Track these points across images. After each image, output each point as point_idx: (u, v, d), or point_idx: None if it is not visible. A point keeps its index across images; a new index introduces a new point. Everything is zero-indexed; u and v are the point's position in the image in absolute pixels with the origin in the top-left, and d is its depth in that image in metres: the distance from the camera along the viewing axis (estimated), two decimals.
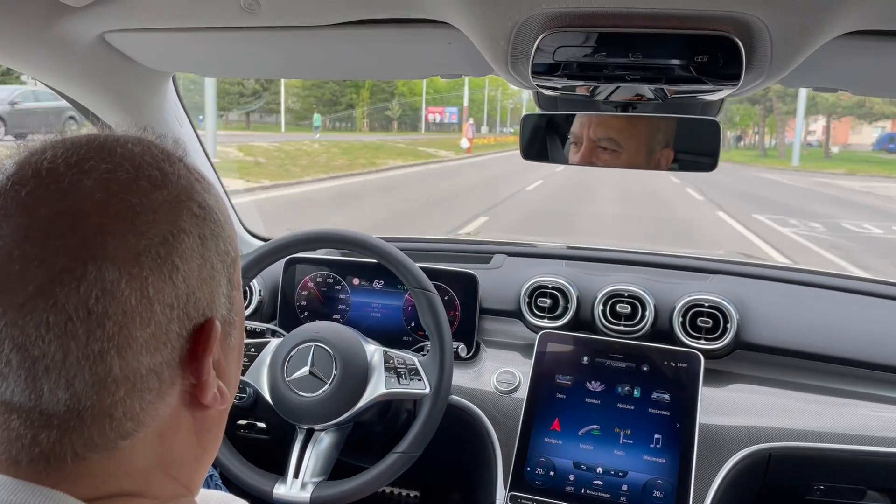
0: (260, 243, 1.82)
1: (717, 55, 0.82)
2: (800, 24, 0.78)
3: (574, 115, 1.20)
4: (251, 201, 11.03)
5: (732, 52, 0.81)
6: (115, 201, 0.48)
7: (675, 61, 0.85)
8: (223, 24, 0.98)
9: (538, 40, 0.85)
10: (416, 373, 1.34)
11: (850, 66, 0.96)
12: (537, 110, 1.26)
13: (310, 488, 1.29)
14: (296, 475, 1.31)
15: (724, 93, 0.93)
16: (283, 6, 0.92)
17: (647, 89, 0.98)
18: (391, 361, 1.35)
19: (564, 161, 1.25)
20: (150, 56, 1.16)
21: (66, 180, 0.47)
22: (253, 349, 1.38)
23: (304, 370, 1.30)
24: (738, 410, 1.40)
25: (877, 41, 0.84)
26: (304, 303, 1.69)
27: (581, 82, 0.91)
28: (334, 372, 1.30)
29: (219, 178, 1.67)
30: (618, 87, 0.97)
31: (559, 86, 0.97)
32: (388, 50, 1.07)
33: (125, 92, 1.22)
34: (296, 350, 1.33)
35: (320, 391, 1.29)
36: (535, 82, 0.94)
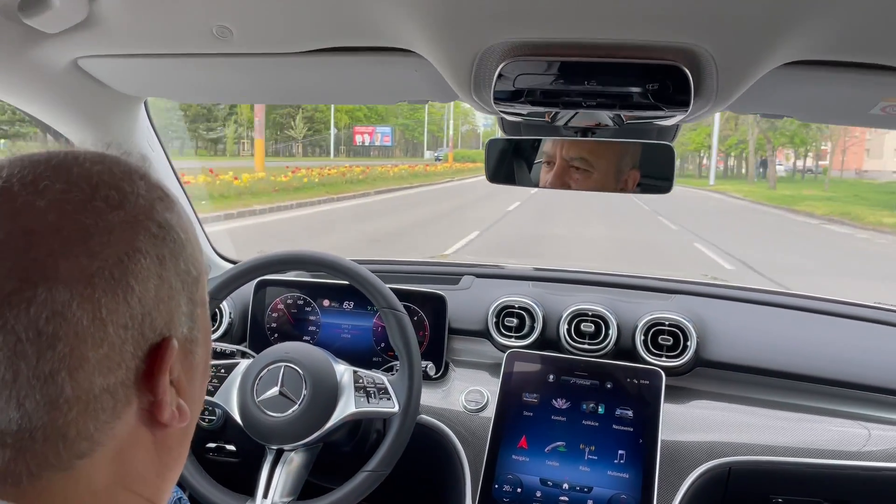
0: (229, 266, 1.83)
1: (668, 83, 0.87)
2: (743, 55, 0.83)
3: (539, 140, 1.24)
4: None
5: (681, 80, 0.86)
6: (68, 222, 0.47)
7: (629, 89, 0.90)
8: (196, 51, 1.01)
9: (499, 68, 0.89)
10: (386, 392, 1.36)
11: (794, 93, 1.02)
12: (500, 134, 1.30)
13: None
14: (265, 496, 1.31)
15: (676, 119, 0.98)
16: (255, 35, 0.95)
17: (604, 115, 1.03)
18: (361, 381, 1.37)
19: (533, 184, 1.28)
20: (122, 81, 1.18)
21: (20, 200, 0.47)
22: (223, 370, 1.39)
23: (274, 390, 1.31)
24: (698, 426, 1.44)
25: (818, 70, 0.90)
26: (274, 324, 1.70)
27: (541, 108, 0.96)
28: (304, 392, 1.31)
29: (190, 202, 1.68)
30: (576, 113, 1.02)
31: (522, 112, 1.01)
32: (357, 76, 1.10)
33: (97, 116, 1.23)
34: (266, 370, 1.34)
35: (290, 411, 1.30)
36: (497, 108, 0.98)
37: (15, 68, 1.03)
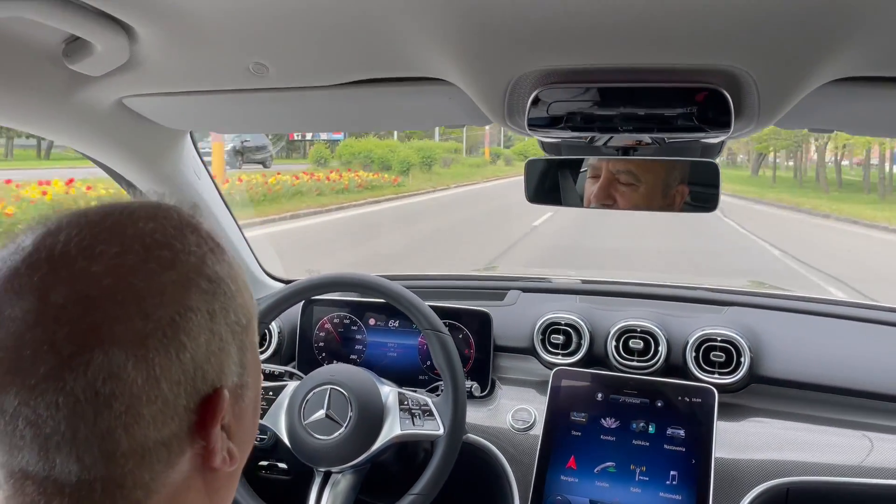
0: (279, 285, 1.86)
1: (707, 105, 0.85)
2: (784, 75, 0.80)
3: (579, 160, 1.22)
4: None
5: (721, 102, 0.84)
6: (123, 286, 0.49)
7: (667, 112, 0.87)
8: (234, 87, 1.03)
9: (532, 95, 0.88)
10: (430, 413, 1.36)
11: (841, 110, 0.98)
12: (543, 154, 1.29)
13: None
14: None
15: (717, 138, 0.95)
16: (290, 70, 0.96)
17: (644, 136, 1.01)
18: (406, 402, 1.37)
19: (575, 203, 1.25)
20: (166, 117, 1.21)
21: (77, 266, 0.49)
22: (271, 392, 1.41)
23: (321, 413, 1.33)
24: (754, 445, 1.39)
25: (864, 87, 0.86)
26: (321, 344, 1.72)
27: (577, 133, 0.94)
28: (350, 414, 1.32)
29: (238, 226, 1.72)
30: (613, 136, 1.00)
31: (559, 136, 1.00)
32: (391, 105, 1.11)
33: (144, 150, 1.27)
34: (312, 393, 1.35)
35: (336, 434, 1.31)
36: (532, 133, 0.97)
37: (64, 110, 1.07)
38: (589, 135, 0.97)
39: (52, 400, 0.47)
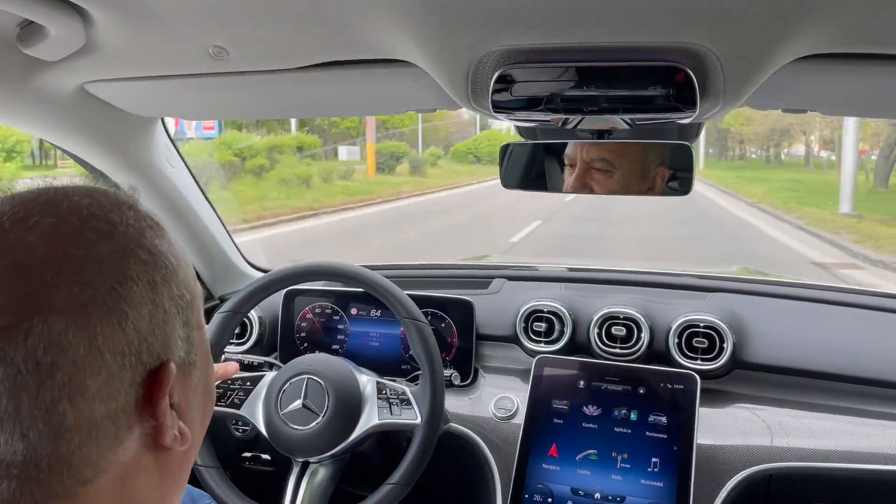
0: (259, 274, 1.85)
1: (671, 85, 0.83)
2: (748, 53, 0.78)
3: (553, 144, 1.21)
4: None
5: (685, 81, 0.82)
6: (59, 254, 0.49)
7: (631, 92, 0.85)
8: (195, 72, 1.01)
9: (495, 76, 0.86)
10: (408, 402, 1.34)
11: (814, 88, 0.96)
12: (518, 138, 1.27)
13: None
14: None
15: (686, 119, 0.93)
16: (251, 53, 0.95)
17: (615, 118, 0.99)
18: (384, 392, 1.36)
19: (552, 188, 1.24)
20: (130, 103, 1.19)
21: (12, 236, 0.49)
22: (249, 383, 1.40)
23: (298, 403, 1.31)
24: (736, 431, 1.38)
25: (833, 64, 0.84)
26: (303, 334, 1.71)
27: (541, 115, 0.92)
28: (327, 404, 1.31)
29: (217, 214, 1.70)
30: (583, 118, 0.98)
31: (525, 118, 0.98)
32: (357, 89, 1.09)
33: (112, 138, 1.25)
34: (289, 383, 1.34)
35: (313, 424, 1.30)
36: (497, 116, 0.95)
37: (22, 97, 1.05)
38: (556, 116, 0.95)
39: None
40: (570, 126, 1.06)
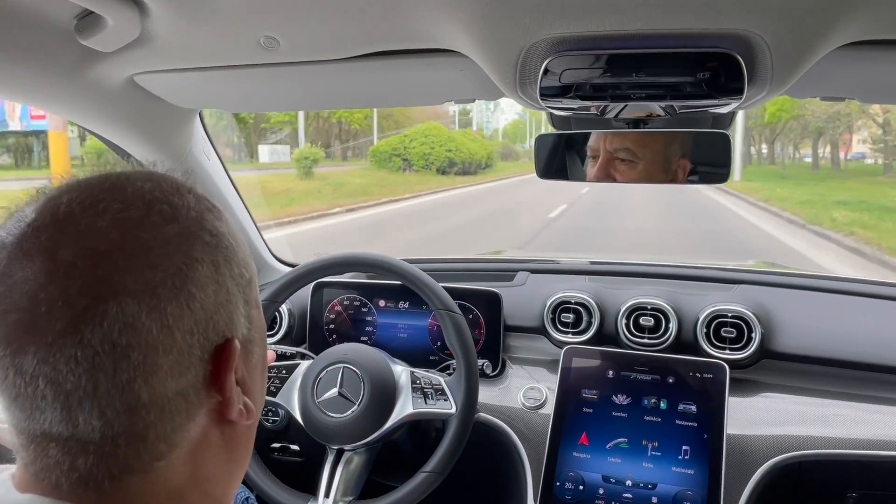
0: (287, 269, 1.86)
1: (720, 71, 0.84)
2: (798, 39, 0.80)
3: (588, 133, 1.22)
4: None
5: (734, 67, 0.83)
6: (128, 239, 0.50)
7: (679, 79, 0.87)
8: (244, 62, 1.03)
9: (544, 64, 0.88)
10: (443, 392, 1.36)
11: (854, 75, 0.98)
12: (551, 129, 1.29)
13: None
14: (326, 495, 1.33)
15: (730, 106, 0.95)
16: (301, 43, 0.96)
17: (655, 106, 1.01)
18: (418, 382, 1.37)
19: (582, 178, 1.27)
20: (177, 95, 1.21)
21: (82, 223, 0.50)
22: (283, 371, 1.42)
23: (334, 391, 1.33)
24: (766, 420, 1.39)
25: (878, 50, 0.85)
26: (332, 326, 1.72)
27: (588, 102, 0.94)
28: (363, 393, 1.33)
29: (246, 207, 1.72)
30: (626, 105, 1.00)
31: (570, 107, 1.00)
32: (402, 79, 1.11)
33: (154, 129, 1.27)
34: (325, 372, 1.36)
35: (349, 412, 1.32)
36: (544, 104, 0.96)
37: (74, 87, 1.07)
38: (601, 104, 0.96)
39: (70, 354, 0.47)
40: (609, 115, 1.08)
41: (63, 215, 0.50)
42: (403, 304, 1.68)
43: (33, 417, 0.49)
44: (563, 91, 0.92)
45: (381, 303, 1.70)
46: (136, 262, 0.50)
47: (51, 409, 0.49)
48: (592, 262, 1.87)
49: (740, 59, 0.82)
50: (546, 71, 0.89)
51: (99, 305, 0.48)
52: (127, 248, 0.50)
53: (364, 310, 1.71)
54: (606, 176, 1.22)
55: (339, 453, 1.36)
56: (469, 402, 1.34)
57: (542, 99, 0.94)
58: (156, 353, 0.50)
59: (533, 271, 1.82)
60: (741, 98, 0.87)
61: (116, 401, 0.49)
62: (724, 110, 0.99)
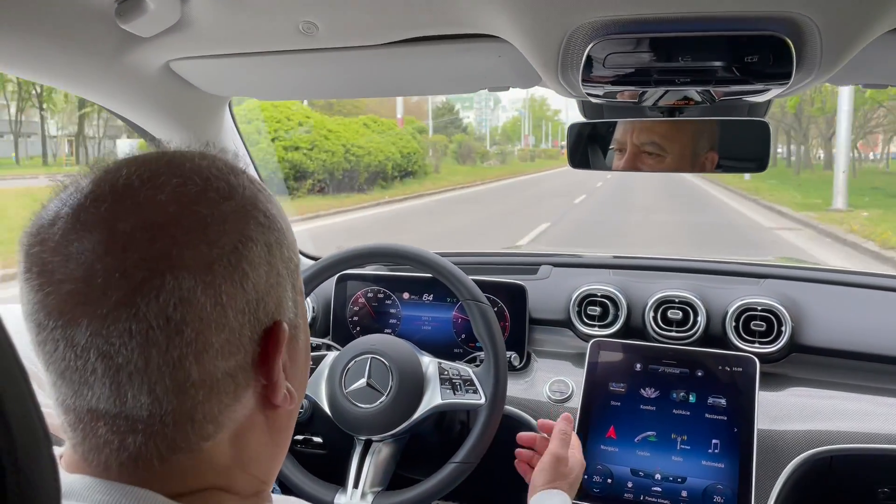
0: (310, 262, 1.86)
1: (767, 55, 0.83)
2: (849, 22, 0.79)
3: (617, 123, 1.22)
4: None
5: (782, 51, 0.82)
6: (187, 213, 0.50)
7: (725, 63, 0.86)
8: (282, 48, 1.02)
9: (588, 48, 0.87)
10: (471, 384, 1.35)
11: None
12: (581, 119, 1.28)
13: (370, 498, 1.31)
14: (355, 485, 1.33)
15: (774, 93, 0.94)
16: (340, 28, 0.96)
17: (694, 92, 1.00)
18: (446, 373, 1.37)
19: (609, 167, 1.26)
20: (211, 82, 1.21)
21: (142, 195, 0.49)
22: (311, 362, 1.41)
23: (362, 382, 1.33)
24: (796, 414, 1.38)
25: None
26: (356, 318, 1.72)
27: (632, 87, 0.93)
28: (391, 383, 1.32)
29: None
30: (666, 92, 0.99)
31: (612, 91, 0.99)
32: (439, 65, 1.10)
33: (186, 117, 1.27)
34: (353, 362, 1.35)
35: (378, 402, 1.31)
36: (585, 90, 0.96)
37: (112, 72, 1.06)
38: (643, 89, 0.95)
39: (125, 328, 0.47)
40: (646, 102, 1.07)
41: (122, 187, 0.50)
42: (427, 297, 1.68)
43: (80, 393, 0.49)
44: (606, 77, 0.91)
45: (405, 295, 1.69)
46: (193, 236, 0.49)
47: (100, 384, 0.48)
48: (616, 257, 1.86)
49: (790, 42, 0.81)
50: (589, 56, 0.88)
51: (155, 279, 0.47)
52: (185, 222, 0.49)
53: (388, 302, 1.70)
54: (633, 167, 1.22)
55: (368, 444, 1.36)
56: (498, 392, 1.33)
57: (583, 84, 0.93)
58: (209, 330, 0.49)
59: (556, 265, 1.81)
60: (787, 84, 0.86)
61: (167, 378, 0.48)
62: (767, 96, 0.98)
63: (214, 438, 0.52)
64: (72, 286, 0.47)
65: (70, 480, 0.51)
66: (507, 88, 1.20)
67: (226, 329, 0.50)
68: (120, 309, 0.47)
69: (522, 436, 1.27)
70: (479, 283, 1.57)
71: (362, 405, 1.32)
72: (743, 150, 1.14)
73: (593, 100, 1.07)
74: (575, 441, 1.24)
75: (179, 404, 0.49)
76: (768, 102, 1.16)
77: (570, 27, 0.86)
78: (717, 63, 0.86)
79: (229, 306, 0.50)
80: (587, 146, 1.26)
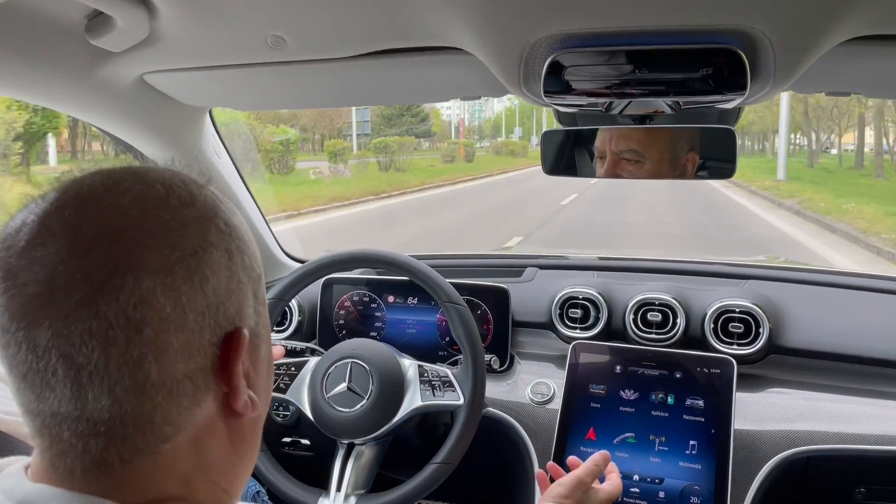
0: (297, 265, 1.88)
1: (722, 67, 0.85)
2: (801, 34, 0.80)
3: (595, 129, 1.23)
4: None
5: (736, 63, 0.84)
6: (149, 217, 0.51)
7: (682, 75, 0.87)
8: (252, 61, 1.04)
9: (548, 61, 0.89)
10: (450, 385, 1.37)
11: (858, 70, 0.98)
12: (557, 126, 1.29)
13: (352, 501, 1.34)
14: (338, 489, 1.35)
15: (735, 102, 0.95)
16: (307, 42, 0.98)
17: (660, 102, 1.01)
18: (426, 375, 1.39)
19: (590, 174, 1.27)
20: (186, 93, 1.23)
21: (105, 201, 0.51)
22: (293, 368, 1.43)
23: (343, 386, 1.35)
24: (773, 415, 1.39)
25: (881, 45, 0.86)
26: (341, 321, 1.74)
27: (593, 99, 0.95)
28: (371, 387, 1.34)
29: (257, 205, 1.74)
30: (629, 102, 1.00)
31: (575, 103, 1.00)
32: (408, 77, 1.12)
33: (165, 128, 1.29)
34: (334, 367, 1.37)
35: (358, 406, 1.33)
36: (548, 101, 0.97)
37: (85, 87, 1.09)
38: (606, 100, 0.97)
39: (85, 327, 0.48)
40: (614, 111, 1.08)
41: (87, 194, 0.52)
42: (412, 300, 1.70)
43: (42, 397, 0.50)
44: (567, 88, 0.92)
45: (391, 298, 1.71)
46: (155, 240, 0.51)
47: (61, 386, 0.49)
48: (601, 258, 1.87)
49: (742, 55, 0.83)
50: (549, 68, 0.90)
51: (116, 279, 0.49)
52: (147, 226, 0.51)
53: (373, 305, 1.72)
54: (614, 175, 1.23)
55: (350, 447, 1.38)
56: (477, 392, 1.35)
57: (546, 96, 0.95)
58: (168, 330, 0.50)
59: (542, 267, 1.83)
60: (744, 93, 0.88)
61: (126, 377, 0.49)
62: (729, 106, 0.99)
63: (173, 441, 0.53)
64: (35, 288, 0.48)
65: (28, 490, 0.52)
66: (478, 97, 1.21)
67: (185, 330, 0.51)
68: (81, 309, 0.48)
69: (552, 466, 1.23)
70: (463, 287, 1.59)
71: (343, 409, 1.34)
72: (715, 154, 1.16)
73: (561, 108, 1.09)
74: (609, 486, 1.18)
75: (139, 405, 0.50)
76: (738, 109, 1.18)
77: (530, 40, 0.87)
78: (674, 75, 0.88)
79: (189, 308, 0.51)
80: (566, 153, 1.28)
